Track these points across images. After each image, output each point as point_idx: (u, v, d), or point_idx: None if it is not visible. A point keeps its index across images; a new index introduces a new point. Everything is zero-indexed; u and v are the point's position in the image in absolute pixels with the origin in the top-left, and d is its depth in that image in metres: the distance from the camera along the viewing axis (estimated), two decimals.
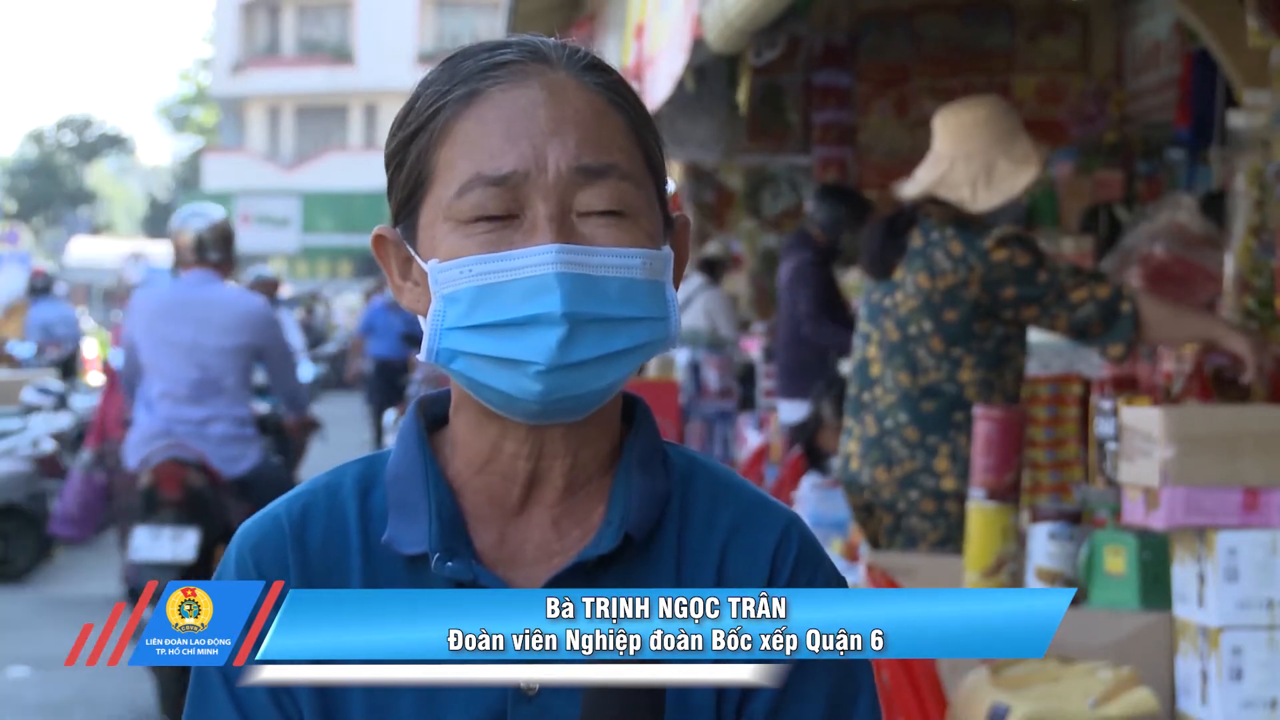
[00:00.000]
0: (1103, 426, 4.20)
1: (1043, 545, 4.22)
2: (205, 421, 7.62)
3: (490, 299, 1.57)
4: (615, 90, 1.64)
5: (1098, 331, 5.06)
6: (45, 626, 10.58)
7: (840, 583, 1.69)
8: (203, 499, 7.41)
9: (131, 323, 7.86)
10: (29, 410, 12.91)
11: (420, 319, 1.63)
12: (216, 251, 7.71)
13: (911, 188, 5.37)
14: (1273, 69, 5.51)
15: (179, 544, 7.24)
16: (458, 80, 1.62)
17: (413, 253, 1.63)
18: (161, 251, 38.05)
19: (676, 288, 1.64)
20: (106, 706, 8.77)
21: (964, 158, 5.29)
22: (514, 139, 1.58)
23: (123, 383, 8.18)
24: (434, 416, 1.71)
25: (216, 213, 7.95)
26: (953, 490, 5.22)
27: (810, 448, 8.02)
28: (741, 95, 6.01)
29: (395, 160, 1.65)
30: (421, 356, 1.62)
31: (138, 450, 7.70)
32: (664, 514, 1.66)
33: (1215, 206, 6.37)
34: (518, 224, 1.58)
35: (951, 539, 5.19)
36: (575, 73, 1.62)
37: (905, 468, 5.30)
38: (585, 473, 1.65)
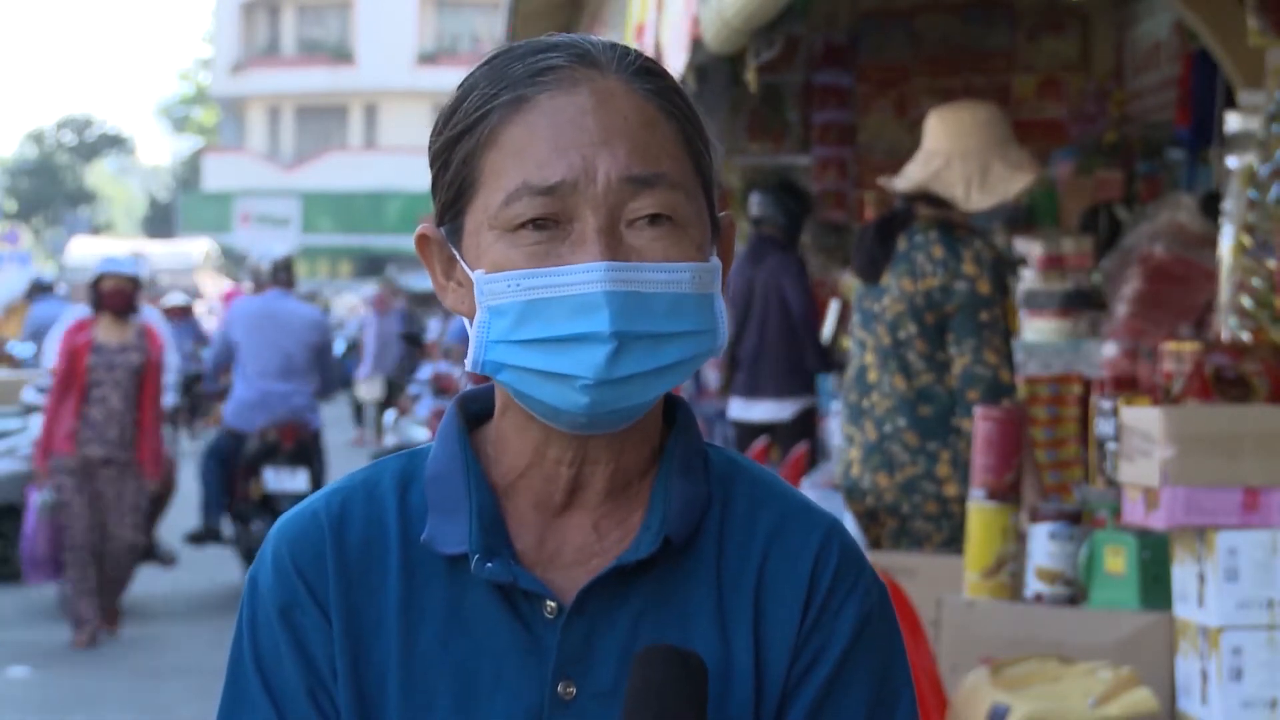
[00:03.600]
0: (1103, 426, 4.21)
1: (1043, 545, 4.22)
2: (289, 393, 11.16)
3: (538, 314, 1.55)
4: (666, 96, 1.61)
5: (974, 398, 5.20)
6: (45, 626, 10.58)
7: (880, 590, 1.67)
8: (305, 447, 11.05)
9: (230, 322, 11.62)
10: (29, 410, 12.87)
11: (466, 322, 1.63)
12: (285, 274, 11.67)
13: (903, 181, 5.39)
14: (1268, 69, 5.51)
15: (296, 479, 10.82)
16: (505, 84, 1.59)
17: (458, 256, 1.62)
18: (161, 251, 38.01)
19: (724, 289, 1.63)
20: (106, 706, 8.77)
21: (960, 156, 5.31)
22: (562, 148, 1.56)
23: (211, 365, 11.81)
24: (474, 414, 1.70)
25: (283, 249, 12.42)
26: (955, 496, 5.24)
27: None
28: (750, 80, 5.99)
29: (439, 161, 1.63)
30: (467, 365, 1.61)
31: (247, 414, 11.20)
32: (704, 517, 1.65)
33: (1215, 206, 6.37)
34: (565, 234, 1.56)
35: (956, 540, 5.20)
36: (625, 78, 1.60)
37: (906, 473, 5.31)
38: (627, 477, 1.64)
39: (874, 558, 4.78)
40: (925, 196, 5.36)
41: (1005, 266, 5.39)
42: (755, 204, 9.81)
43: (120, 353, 10.12)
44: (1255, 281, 5.27)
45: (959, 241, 5.26)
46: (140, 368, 10.13)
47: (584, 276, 1.54)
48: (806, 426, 9.30)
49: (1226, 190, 6.04)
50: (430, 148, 1.65)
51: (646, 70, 1.62)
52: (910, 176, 5.38)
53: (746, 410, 9.45)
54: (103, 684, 9.17)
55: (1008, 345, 5.29)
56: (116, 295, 10.16)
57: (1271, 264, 5.24)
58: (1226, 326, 5.36)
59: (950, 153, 5.33)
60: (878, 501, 5.37)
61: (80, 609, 10.06)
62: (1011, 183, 5.28)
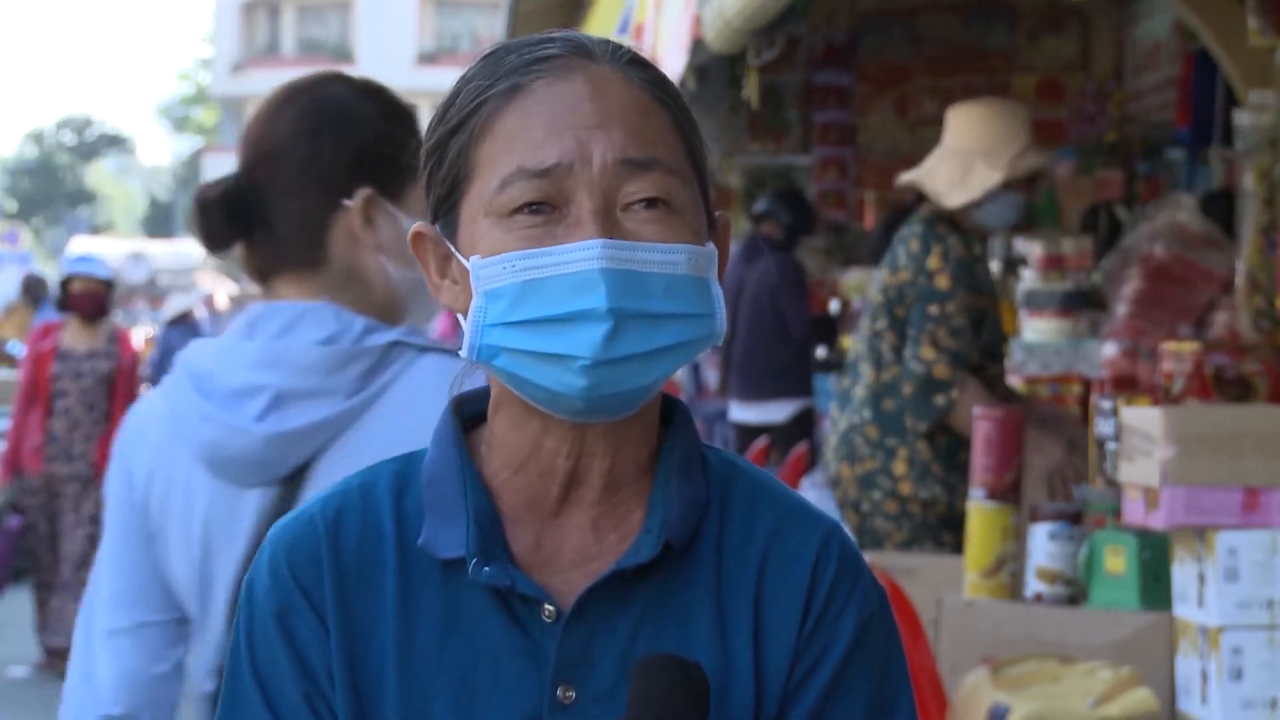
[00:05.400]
0: (1103, 426, 4.20)
1: (1043, 545, 4.22)
2: None
3: (534, 294, 1.54)
4: (659, 86, 1.62)
5: (908, 393, 5.20)
6: None
7: (879, 592, 1.67)
8: None
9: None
10: None
11: (460, 317, 1.62)
12: None
13: (906, 176, 5.45)
14: (1276, 68, 5.51)
15: None
16: (500, 75, 1.59)
17: (453, 250, 1.61)
18: (161, 251, 38.02)
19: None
20: None
21: (950, 153, 5.35)
22: (558, 132, 1.56)
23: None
24: (469, 416, 1.69)
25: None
26: (910, 495, 5.23)
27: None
28: (751, 92, 6.01)
29: (434, 156, 1.62)
30: (463, 354, 1.60)
31: None
32: (703, 521, 1.64)
33: (1215, 206, 6.37)
34: (560, 218, 1.55)
35: (917, 539, 5.21)
36: (619, 68, 1.60)
37: (865, 466, 5.32)
38: (625, 474, 1.63)
39: (874, 558, 4.78)
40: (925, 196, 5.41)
41: (980, 267, 5.33)
42: (760, 201, 9.82)
43: (88, 359, 9.34)
44: (1265, 280, 5.29)
45: (934, 237, 5.25)
46: (110, 375, 9.35)
47: (580, 254, 1.53)
48: (805, 427, 9.31)
49: (1237, 189, 6.05)
50: (425, 144, 1.64)
51: (639, 62, 1.62)
52: (914, 170, 5.43)
53: (742, 412, 9.47)
54: None
55: (960, 339, 5.19)
56: (85, 298, 9.36)
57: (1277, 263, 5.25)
58: (1240, 325, 5.38)
59: (944, 149, 5.38)
60: (843, 495, 5.39)
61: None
62: (986, 181, 5.27)
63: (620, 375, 1.55)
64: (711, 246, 1.61)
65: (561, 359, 1.54)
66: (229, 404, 2.33)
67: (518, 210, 1.56)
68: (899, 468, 5.25)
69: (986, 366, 5.31)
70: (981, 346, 5.28)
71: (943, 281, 5.19)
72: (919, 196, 5.49)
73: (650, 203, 1.57)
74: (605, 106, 1.57)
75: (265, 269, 2.46)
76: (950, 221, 5.29)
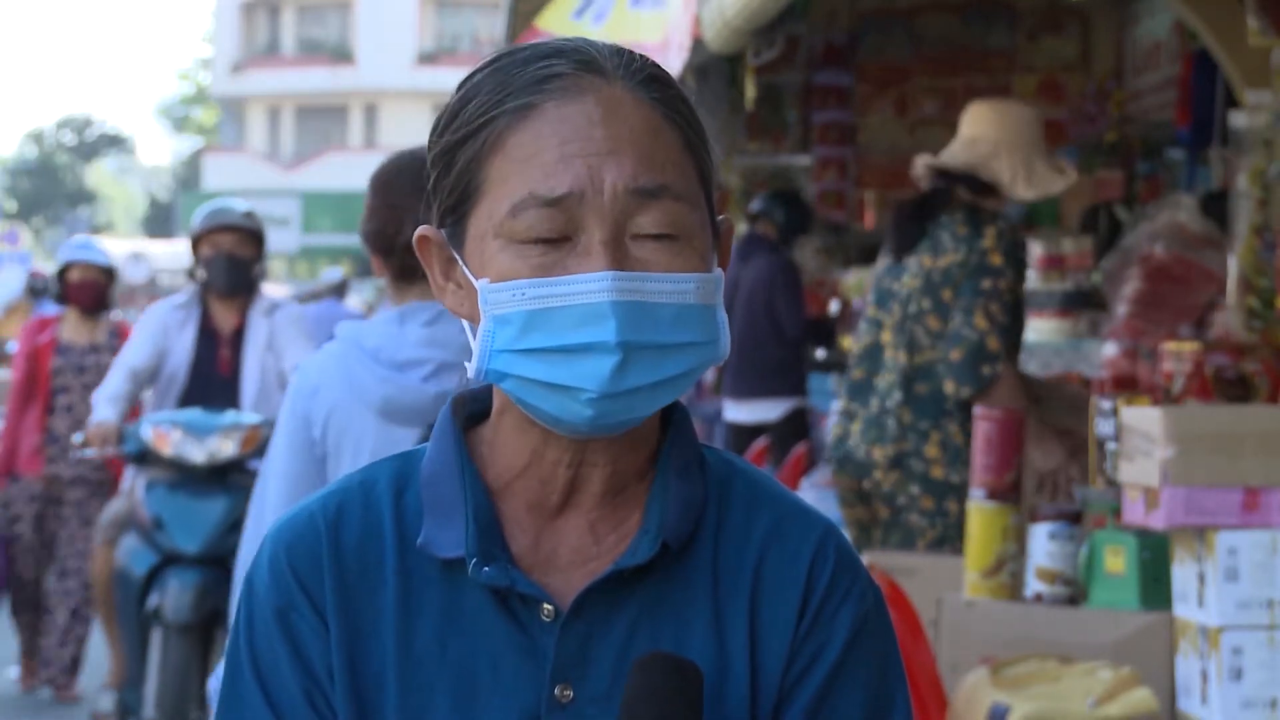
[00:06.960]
0: (1103, 426, 4.20)
1: (1043, 545, 4.22)
2: None
3: (543, 324, 1.56)
4: (670, 105, 1.62)
5: (955, 359, 5.20)
6: None
7: (875, 592, 1.68)
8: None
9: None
10: None
11: (466, 324, 1.63)
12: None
13: (950, 158, 5.39)
14: (1274, 69, 5.51)
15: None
16: (510, 91, 1.59)
17: (460, 261, 1.62)
18: (161, 251, 38.04)
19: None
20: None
21: (1008, 147, 5.36)
22: (569, 158, 1.56)
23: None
24: (470, 414, 1.70)
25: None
26: (942, 479, 5.22)
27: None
28: (748, 92, 6.02)
29: (441, 163, 1.63)
30: (470, 374, 1.61)
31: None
32: (700, 520, 1.65)
33: (1215, 206, 6.37)
34: (571, 245, 1.56)
35: (949, 539, 5.19)
36: (631, 86, 1.60)
37: (898, 447, 5.31)
38: (625, 479, 1.64)
39: (873, 558, 4.78)
40: (965, 180, 5.37)
41: (1024, 253, 5.39)
42: (755, 201, 9.82)
43: (90, 354, 8.54)
44: (1262, 281, 5.28)
45: (983, 221, 5.28)
46: None
47: (591, 286, 1.54)
48: (798, 427, 9.31)
49: (1232, 190, 6.05)
50: (430, 149, 1.65)
51: (651, 78, 1.62)
52: (955, 155, 5.39)
53: (736, 411, 9.48)
54: (101, 683, 9.16)
55: (1008, 317, 5.20)
56: (85, 288, 8.53)
57: (1276, 263, 5.25)
58: (1234, 326, 5.37)
59: (999, 142, 5.37)
60: (874, 486, 5.37)
61: (34, 650, 8.84)
62: (1054, 182, 5.35)
63: (626, 405, 1.57)
64: (718, 272, 1.62)
65: (569, 390, 1.56)
66: (402, 370, 3.33)
67: (529, 242, 1.57)
68: (931, 450, 5.26)
69: (1016, 356, 5.36)
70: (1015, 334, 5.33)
71: (996, 259, 5.24)
72: (950, 181, 5.43)
73: (659, 233, 1.58)
74: (616, 131, 1.57)
75: (407, 275, 3.40)
76: (990, 209, 5.34)
